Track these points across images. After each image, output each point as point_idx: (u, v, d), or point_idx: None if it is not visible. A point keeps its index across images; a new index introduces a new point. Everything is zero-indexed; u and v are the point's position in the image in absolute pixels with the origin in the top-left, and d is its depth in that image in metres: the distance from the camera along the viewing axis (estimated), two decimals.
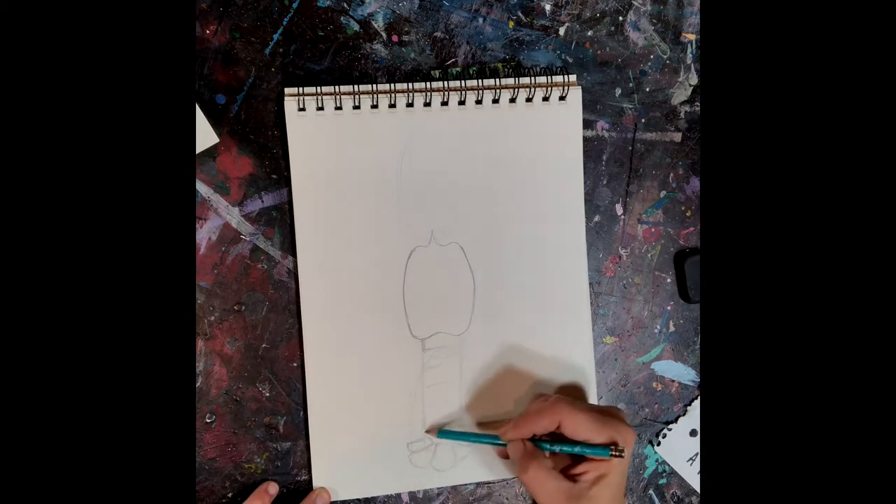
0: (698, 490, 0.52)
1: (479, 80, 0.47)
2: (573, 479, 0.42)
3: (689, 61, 0.51)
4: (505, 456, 0.46)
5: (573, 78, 0.49)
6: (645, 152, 0.51)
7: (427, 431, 0.48)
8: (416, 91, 0.47)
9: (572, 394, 0.49)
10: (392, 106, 0.47)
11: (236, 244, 0.47)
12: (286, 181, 0.47)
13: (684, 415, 0.52)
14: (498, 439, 0.45)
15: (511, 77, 0.48)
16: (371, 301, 0.47)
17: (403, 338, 0.48)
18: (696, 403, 0.52)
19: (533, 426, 0.43)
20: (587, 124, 0.50)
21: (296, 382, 0.48)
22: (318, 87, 0.46)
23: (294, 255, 0.47)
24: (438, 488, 0.49)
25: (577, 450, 0.42)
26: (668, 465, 0.52)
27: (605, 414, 0.43)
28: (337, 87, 0.46)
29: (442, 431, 0.47)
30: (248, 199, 0.47)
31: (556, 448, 0.43)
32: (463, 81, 0.47)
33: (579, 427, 0.41)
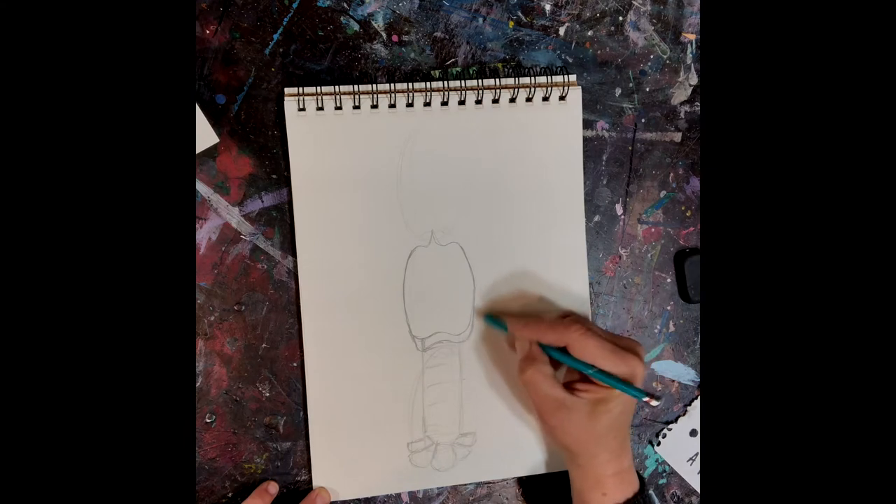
0: (698, 490, 0.52)
1: (479, 80, 0.47)
2: (572, 393, 0.42)
3: (689, 61, 0.51)
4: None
5: (573, 78, 0.49)
6: (645, 152, 0.51)
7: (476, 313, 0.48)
8: (416, 91, 0.47)
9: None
10: (392, 106, 0.47)
11: (236, 244, 0.47)
12: (286, 181, 0.47)
13: (684, 415, 0.52)
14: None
15: (511, 77, 0.48)
16: (371, 301, 0.47)
17: (403, 338, 0.48)
18: (696, 403, 0.52)
19: (539, 335, 0.43)
20: (587, 124, 0.50)
21: (296, 382, 0.48)
22: (318, 87, 0.46)
23: (294, 255, 0.47)
24: (438, 488, 0.49)
25: (578, 366, 0.41)
26: (668, 465, 0.52)
27: (621, 345, 0.42)
28: (337, 87, 0.46)
29: (488, 316, 0.48)
30: (248, 199, 0.47)
31: (565, 360, 0.42)
32: (463, 81, 0.47)
33: (586, 352, 0.41)
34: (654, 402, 0.40)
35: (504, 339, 0.48)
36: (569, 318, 0.43)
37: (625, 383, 0.40)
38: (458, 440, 0.49)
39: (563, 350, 0.42)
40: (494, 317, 0.47)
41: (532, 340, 0.43)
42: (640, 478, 0.44)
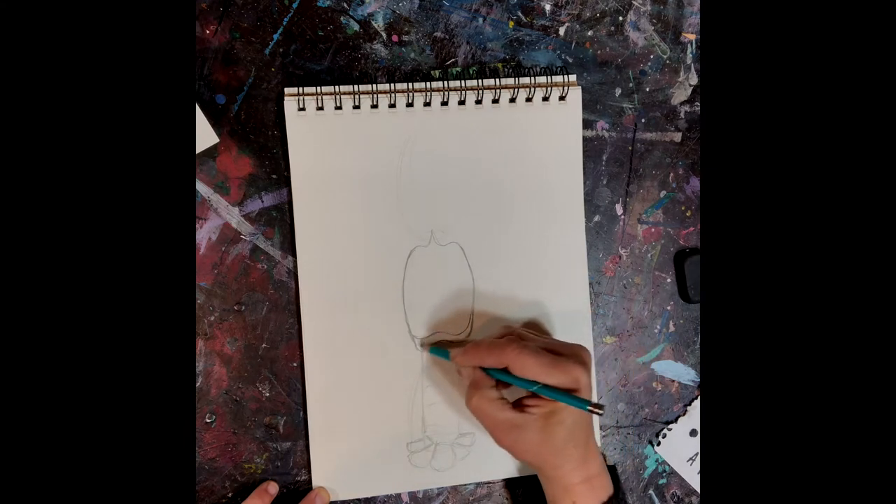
0: (698, 490, 0.52)
1: (479, 80, 0.47)
2: (524, 410, 0.41)
3: (689, 61, 0.51)
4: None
5: (573, 78, 0.49)
6: (645, 152, 0.51)
7: (421, 345, 0.48)
8: (416, 91, 0.47)
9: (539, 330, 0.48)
10: (392, 106, 0.47)
11: (236, 244, 0.47)
12: (286, 181, 0.47)
13: (684, 415, 0.52)
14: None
15: (511, 77, 0.48)
16: (371, 301, 0.47)
17: (403, 338, 0.48)
18: (696, 403, 0.52)
19: (480, 359, 0.43)
20: (587, 124, 0.50)
21: (296, 382, 0.48)
22: (318, 87, 0.46)
23: (294, 255, 0.47)
24: (438, 488, 0.49)
25: (521, 384, 0.41)
26: (668, 465, 0.52)
27: (564, 353, 0.41)
28: (337, 87, 0.46)
29: (432, 348, 0.48)
30: (248, 199, 0.47)
31: (508, 380, 0.42)
32: (463, 81, 0.47)
33: (526, 370, 0.40)
34: (598, 412, 0.39)
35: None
36: (505, 337, 0.43)
37: (568, 395, 0.40)
38: (457, 440, 0.49)
39: (506, 370, 0.42)
40: (439, 348, 0.47)
41: (474, 366, 0.43)
42: (616, 479, 0.45)
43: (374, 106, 0.47)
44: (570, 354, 0.41)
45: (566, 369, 0.40)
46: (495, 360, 0.42)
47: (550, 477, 0.43)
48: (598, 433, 0.50)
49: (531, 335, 0.44)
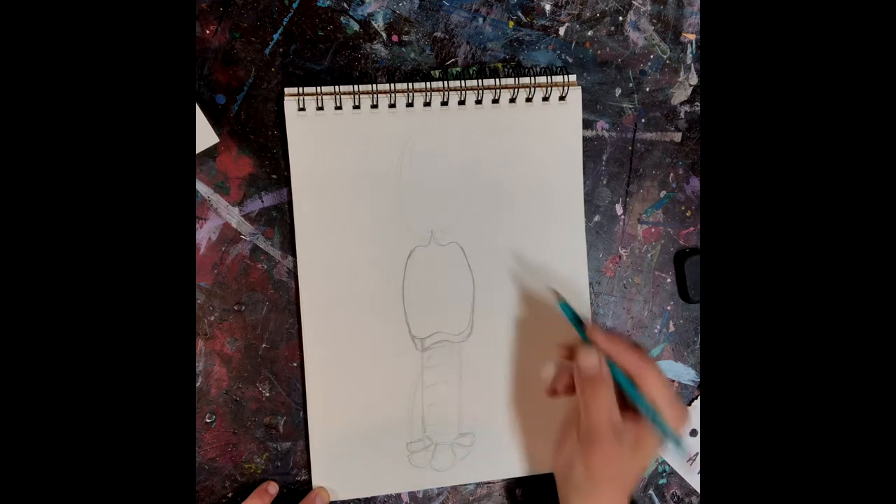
0: (698, 490, 0.52)
1: (479, 80, 0.47)
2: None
3: (689, 61, 0.51)
4: (553, 393, 0.44)
5: (573, 78, 0.49)
6: (645, 152, 0.51)
7: (554, 293, 0.45)
8: (416, 91, 0.47)
9: None
10: (392, 106, 0.47)
11: (236, 244, 0.47)
12: (286, 181, 0.47)
13: None
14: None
15: (511, 77, 0.48)
16: (371, 301, 0.47)
17: (403, 338, 0.48)
18: (696, 403, 0.52)
19: (620, 352, 0.41)
20: (587, 124, 0.50)
21: (296, 382, 0.48)
22: (318, 87, 0.46)
23: (294, 255, 0.47)
24: (438, 488, 0.49)
25: (642, 403, 0.40)
26: (668, 465, 0.52)
27: (679, 401, 0.41)
28: (337, 87, 0.46)
29: (565, 305, 0.45)
30: (248, 199, 0.47)
31: (631, 391, 0.40)
32: (463, 81, 0.47)
33: (655, 392, 0.39)
34: (680, 451, 0.39)
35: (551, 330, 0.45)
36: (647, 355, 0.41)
37: (671, 430, 0.39)
38: (457, 440, 0.49)
39: (629, 379, 0.40)
40: (574, 313, 0.44)
41: (604, 357, 0.41)
42: None
43: (374, 106, 0.47)
44: (679, 407, 0.40)
45: (681, 412, 0.40)
46: (636, 362, 0.40)
47: (586, 492, 0.41)
48: None
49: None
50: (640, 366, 0.40)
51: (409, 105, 0.47)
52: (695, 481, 0.52)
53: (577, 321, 0.44)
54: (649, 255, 0.51)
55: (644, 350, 0.41)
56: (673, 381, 0.52)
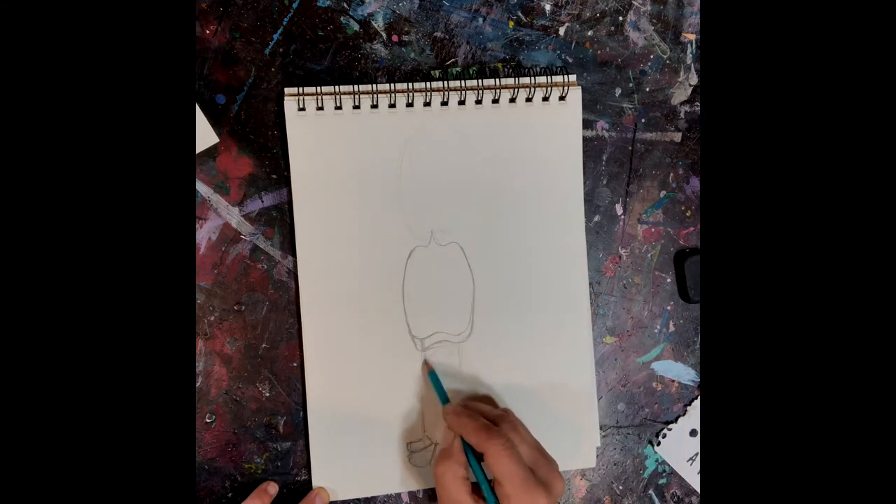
0: (698, 490, 0.52)
1: (479, 80, 0.47)
2: (477, 501, 0.41)
3: (689, 61, 0.51)
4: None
5: (573, 78, 0.49)
6: (645, 152, 0.51)
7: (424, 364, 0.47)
8: (416, 91, 0.47)
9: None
10: (392, 106, 0.47)
11: (236, 244, 0.47)
12: (286, 181, 0.47)
13: (684, 415, 0.52)
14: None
15: (511, 77, 0.48)
16: (371, 301, 0.47)
17: (403, 337, 0.48)
18: (696, 403, 0.52)
19: (465, 432, 0.42)
20: (587, 124, 0.50)
21: (296, 382, 0.48)
22: (318, 87, 0.46)
23: (294, 255, 0.47)
24: None
25: (483, 485, 0.41)
26: (668, 465, 0.52)
27: (539, 474, 0.40)
28: (337, 87, 0.46)
29: (433, 373, 0.47)
30: (248, 199, 0.47)
31: (475, 470, 0.42)
32: (463, 81, 0.47)
33: (497, 469, 0.39)
34: None
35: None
36: (500, 426, 0.41)
37: None
38: None
39: (480, 457, 0.41)
40: (438, 380, 0.47)
41: (456, 434, 0.43)
42: None
43: (374, 106, 0.47)
44: (546, 479, 0.40)
45: (535, 496, 0.38)
46: (477, 443, 0.41)
47: None
48: (598, 434, 0.50)
49: (524, 434, 0.42)
50: (486, 447, 0.40)
51: (409, 105, 0.47)
52: (695, 481, 0.52)
53: (444, 395, 0.46)
54: (649, 255, 0.51)
55: (498, 428, 0.41)
56: (673, 380, 0.52)
